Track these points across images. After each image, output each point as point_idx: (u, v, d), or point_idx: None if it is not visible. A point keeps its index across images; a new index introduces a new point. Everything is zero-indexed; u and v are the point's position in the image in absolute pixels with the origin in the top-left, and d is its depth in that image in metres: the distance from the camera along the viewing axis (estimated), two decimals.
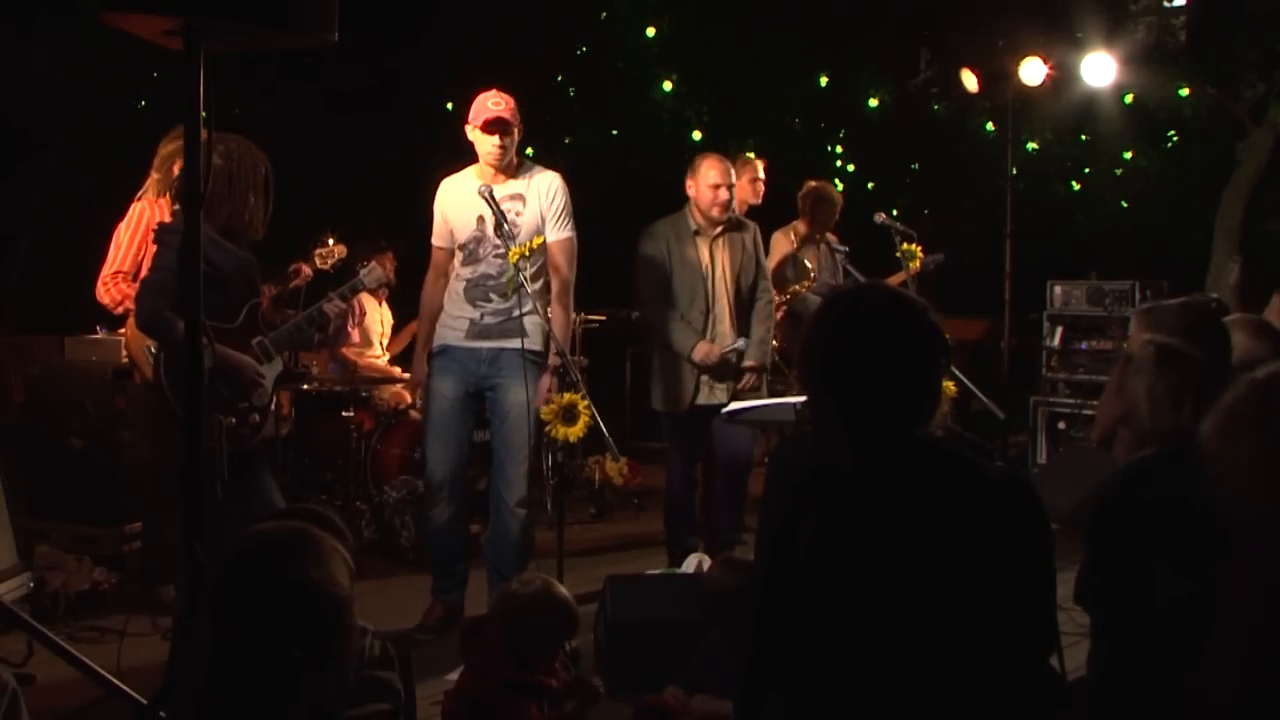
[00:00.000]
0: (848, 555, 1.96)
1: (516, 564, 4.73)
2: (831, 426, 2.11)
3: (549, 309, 4.76)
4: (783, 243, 6.52)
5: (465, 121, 4.77)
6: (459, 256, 4.82)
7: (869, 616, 1.93)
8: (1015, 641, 1.96)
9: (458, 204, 4.81)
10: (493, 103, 4.67)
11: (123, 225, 4.89)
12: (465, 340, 4.78)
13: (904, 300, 2.13)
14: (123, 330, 5.47)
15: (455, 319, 4.81)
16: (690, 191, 5.43)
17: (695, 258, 5.40)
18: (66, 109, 8.54)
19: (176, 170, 4.78)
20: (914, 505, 1.98)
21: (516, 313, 4.69)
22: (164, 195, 4.85)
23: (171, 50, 2.77)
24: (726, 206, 5.40)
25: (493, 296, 4.76)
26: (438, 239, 4.90)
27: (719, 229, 5.43)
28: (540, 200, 4.76)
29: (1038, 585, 2.02)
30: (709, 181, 5.34)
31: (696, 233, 5.42)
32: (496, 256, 4.74)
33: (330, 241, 5.73)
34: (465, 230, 4.78)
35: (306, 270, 5.73)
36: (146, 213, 4.86)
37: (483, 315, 4.77)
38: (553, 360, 4.74)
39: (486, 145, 4.69)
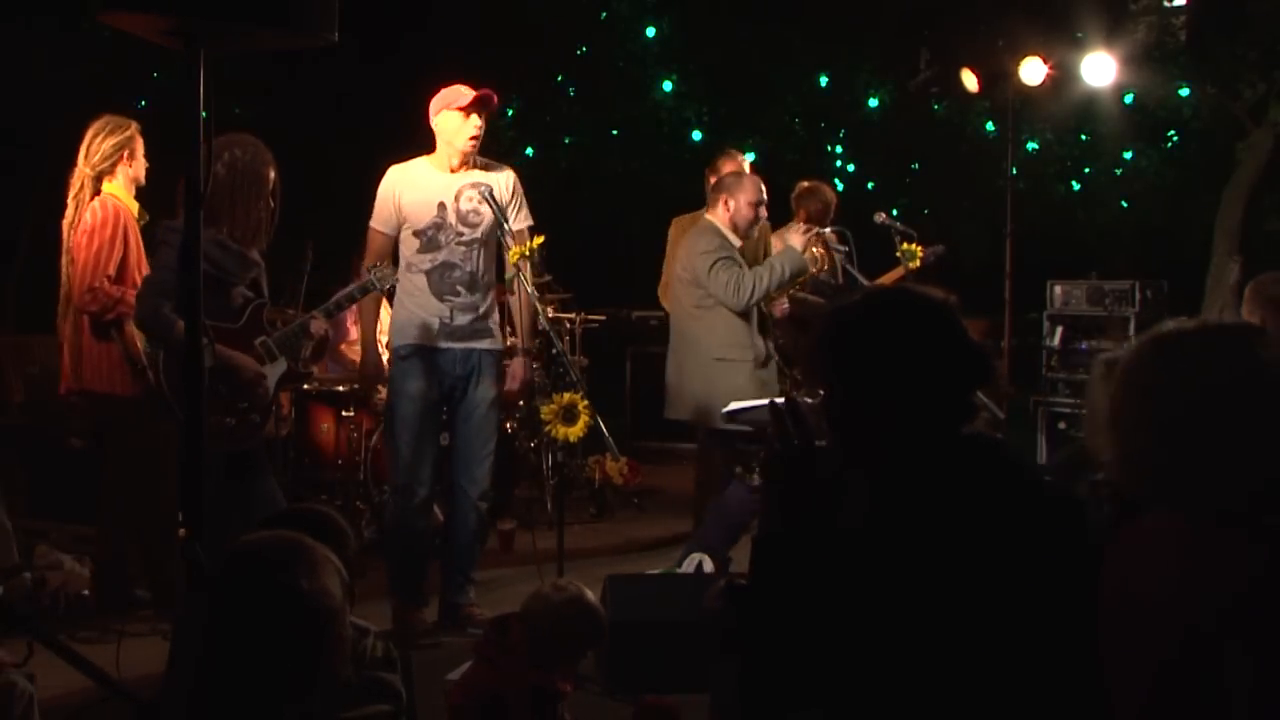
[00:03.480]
0: (901, 548, 1.90)
1: (473, 558, 4.86)
2: (871, 425, 2.01)
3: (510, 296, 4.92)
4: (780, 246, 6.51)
5: (432, 112, 4.71)
6: (413, 244, 4.73)
7: (912, 615, 1.87)
8: (1054, 662, 1.89)
9: (417, 190, 4.72)
10: (466, 88, 4.65)
11: (78, 229, 4.64)
12: (438, 341, 4.74)
13: (931, 298, 2.08)
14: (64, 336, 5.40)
15: (424, 316, 4.73)
16: (726, 207, 5.38)
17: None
18: (66, 109, 8.52)
19: (131, 164, 4.69)
20: (968, 505, 1.91)
21: (482, 309, 4.79)
22: (98, 194, 4.63)
23: (171, 50, 2.76)
24: (759, 224, 5.50)
25: (460, 290, 4.73)
26: (383, 224, 4.76)
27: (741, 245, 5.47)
28: (501, 192, 4.74)
29: (1081, 606, 1.91)
30: (751, 199, 5.37)
31: (739, 249, 5.42)
32: (460, 245, 4.72)
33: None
34: (424, 217, 4.71)
35: None
36: (97, 213, 4.62)
37: (453, 313, 4.73)
38: (524, 344, 4.93)
39: (468, 129, 4.64)
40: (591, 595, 3.45)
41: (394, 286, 4.72)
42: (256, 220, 4.09)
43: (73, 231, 4.68)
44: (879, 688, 1.88)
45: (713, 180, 6.29)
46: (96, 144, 4.66)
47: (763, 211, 5.41)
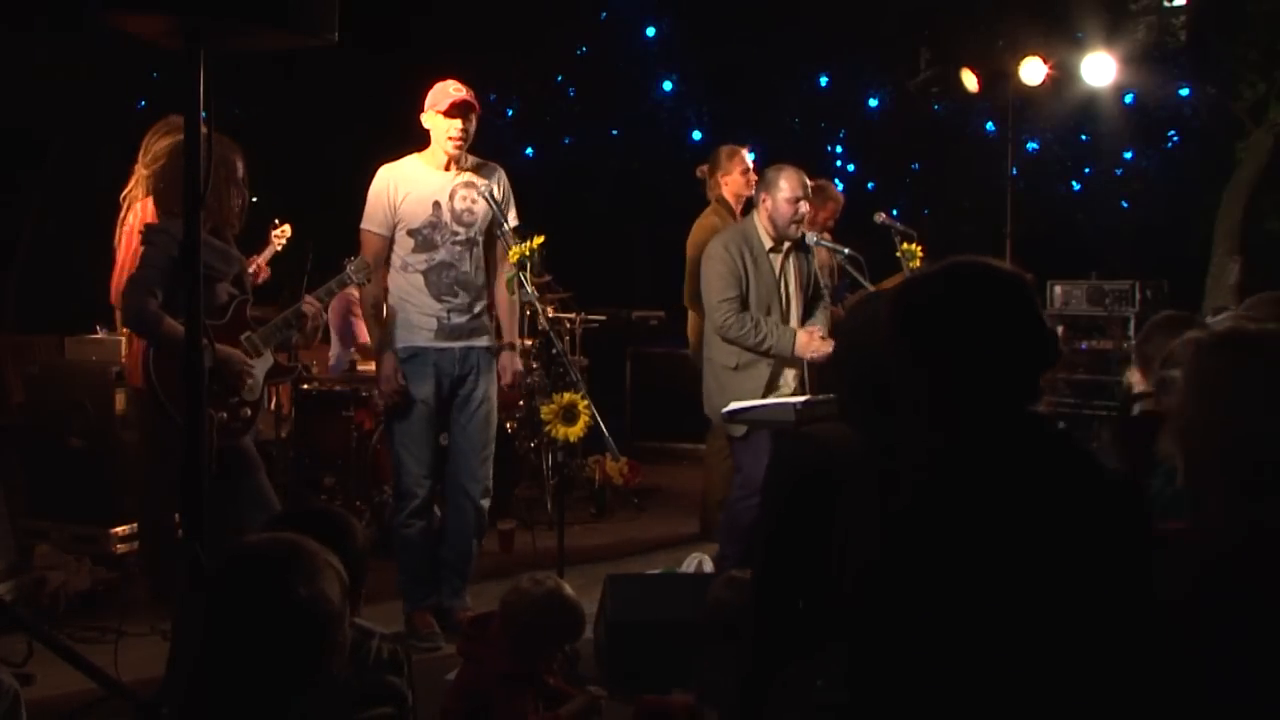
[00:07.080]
0: (951, 534, 1.88)
1: (470, 561, 4.84)
2: (927, 405, 1.99)
3: (497, 295, 4.84)
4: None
5: (420, 110, 4.69)
6: (409, 243, 4.69)
7: (963, 601, 1.86)
8: (1110, 645, 1.87)
9: (412, 189, 4.69)
10: (454, 89, 4.62)
11: (124, 228, 4.72)
12: (435, 340, 4.71)
13: (1012, 273, 2.07)
14: (125, 330, 5.45)
15: (421, 317, 4.70)
16: (765, 206, 5.09)
17: (770, 272, 5.12)
18: (66, 109, 8.54)
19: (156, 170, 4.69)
20: (1026, 488, 1.90)
21: (478, 309, 4.76)
22: (149, 195, 4.60)
23: (171, 50, 2.76)
24: (803, 221, 5.14)
25: (457, 290, 4.71)
26: (378, 225, 4.69)
27: (787, 245, 5.15)
28: (494, 190, 4.71)
29: (1138, 592, 1.91)
30: (786, 196, 5.05)
31: (771, 249, 5.12)
32: (456, 244, 4.70)
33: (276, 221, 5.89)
34: (419, 217, 4.68)
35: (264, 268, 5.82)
36: (138, 214, 4.69)
37: (450, 313, 4.70)
38: (508, 338, 4.87)
39: (449, 130, 4.62)
40: (569, 589, 3.45)
41: (370, 279, 4.67)
42: (231, 209, 4.10)
43: (119, 230, 4.69)
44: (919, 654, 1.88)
45: (703, 175, 6.22)
46: (152, 143, 4.56)
47: (803, 207, 5.09)
